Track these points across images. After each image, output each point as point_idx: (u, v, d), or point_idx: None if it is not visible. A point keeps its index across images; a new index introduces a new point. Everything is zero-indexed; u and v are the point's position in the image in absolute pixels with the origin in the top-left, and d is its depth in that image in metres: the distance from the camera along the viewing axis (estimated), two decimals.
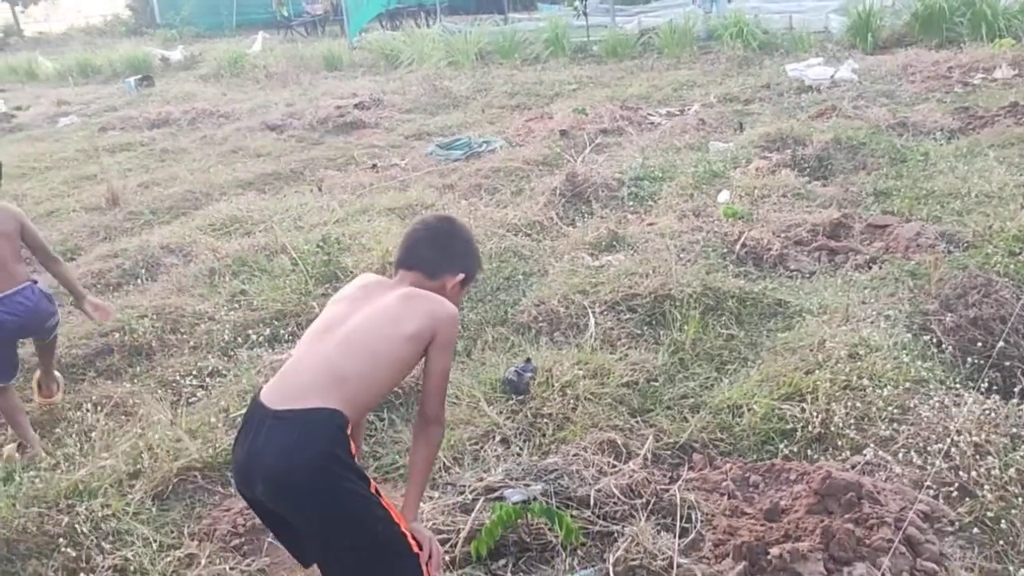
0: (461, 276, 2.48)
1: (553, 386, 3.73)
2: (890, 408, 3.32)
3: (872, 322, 4.03)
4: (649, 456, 3.27)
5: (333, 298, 2.48)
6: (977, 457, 3.02)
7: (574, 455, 3.24)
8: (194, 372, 4.26)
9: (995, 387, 3.46)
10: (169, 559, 2.97)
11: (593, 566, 2.76)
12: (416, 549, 2.19)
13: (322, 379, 2.15)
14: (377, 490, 2.16)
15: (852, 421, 3.31)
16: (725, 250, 5.16)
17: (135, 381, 4.27)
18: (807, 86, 10.05)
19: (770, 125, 8.03)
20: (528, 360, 3.94)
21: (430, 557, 2.25)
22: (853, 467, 3.08)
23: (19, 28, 32.26)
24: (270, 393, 2.17)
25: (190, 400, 4.05)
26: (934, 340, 3.86)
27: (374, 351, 2.22)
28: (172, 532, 3.13)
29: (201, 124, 11.38)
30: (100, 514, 3.12)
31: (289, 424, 2.08)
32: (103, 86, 16.59)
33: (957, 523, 2.80)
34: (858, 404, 3.39)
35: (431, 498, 3.07)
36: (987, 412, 3.23)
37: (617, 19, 16.49)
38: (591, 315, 4.36)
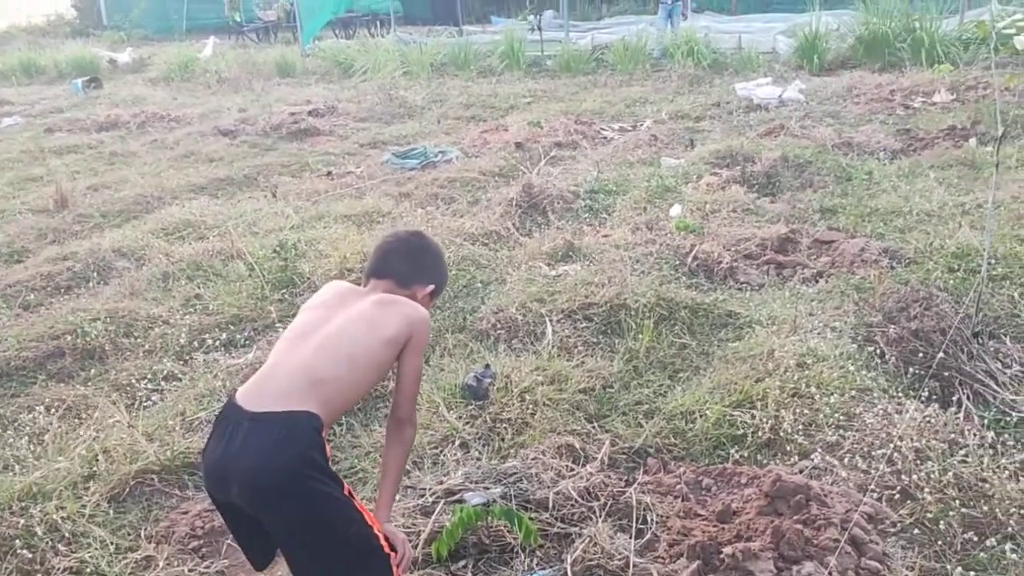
0: (431, 287, 2.58)
1: (512, 392, 3.79)
2: (836, 415, 3.46)
3: (819, 333, 4.18)
4: (606, 460, 3.35)
5: (306, 304, 2.51)
6: (918, 462, 3.16)
7: (533, 459, 3.30)
8: (149, 376, 4.23)
9: (935, 396, 3.62)
10: (126, 561, 2.95)
11: (551, 566, 2.82)
12: (388, 550, 2.23)
13: (299, 382, 2.18)
14: (351, 492, 2.20)
15: (800, 427, 3.43)
16: (677, 262, 5.28)
17: (88, 384, 4.22)
18: (756, 105, 10.31)
19: (720, 142, 8.22)
20: (487, 366, 3.99)
21: (401, 558, 2.30)
22: (801, 471, 3.19)
23: None
24: (246, 395, 2.19)
25: (145, 404, 4.01)
26: (878, 351, 4.01)
27: (351, 355, 2.27)
28: (129, 535, 3.11)
29: (151, 128, 11.23)
30: (55, 516, 3.08)
31: (266, 426, 2.10)
32: (48, 87, 16.26)
33: (899, 524, 2.92)
34: (806, 411, 3.51)
35: None
36: (927, 420, 3.37)
37: (571, 35, 16.70)
38: (548, 323, 4.44)
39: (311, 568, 2.20)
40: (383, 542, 2.22)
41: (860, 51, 12.84)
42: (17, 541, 2.96)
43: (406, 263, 2.54)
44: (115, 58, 18.64)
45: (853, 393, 3.60)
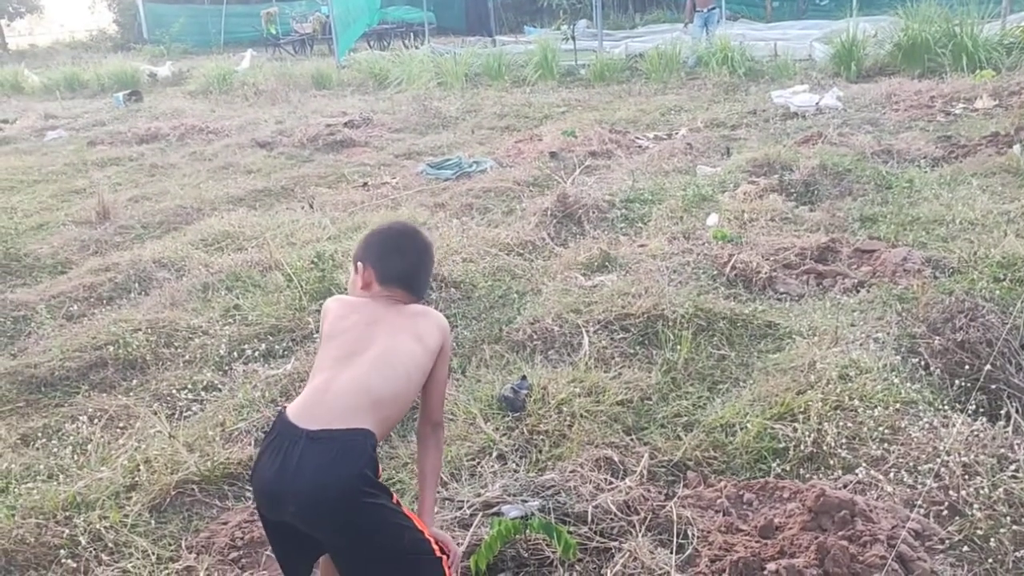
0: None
1: (549, 403, 3.77)
2: (881, 428, 3.38)
3: (861, 344, 4.10)
4: (645, 473, 3.31)
5: (337, 323, 2.45)
6: (966, 477, 3.09)
7: (571, 472, 3.27)
8: (189, 386, 4.26)
9: (982, 409, 3.53)
10: (168, 572, 2.97)
11: None
12: (439, 553, 2.25)
13: (359, 400, 2.21)
14: (398, 501, 2.23)
15: (843, 441, 3.36)
16: (715, 272, 5.22)
17: (130, 394, 4.27)
18: (792, 113, 10.21)
19: (757, 150, 8.14)
20: (523, 377, 3.98)
21: (453, 559, 2.35)
22: (845, 486, 3.13)
23: (4, 41, 32.29)
24: (300, 413, 2.20)
25: (185, 414, 4.05)
26: (922, 363, 3.93)
27: (408, 372, 2.32)
28: (170, 545, 3.13)
29: (190, 140, 11.40)
30: (98, 526, 3.12)
31: (325, 445, 2.11)
32: (90, 101, 16.59)
33: (947, 541, 2.85)
34: (849, 424, 3.44)
35: None
36: (975, 433, 3.29)
37: (604, 43, 16.68)
38: (585, 334, 4.41)
39: None
40: (435, 545, 2.26)
41: (899, 57, 12.67)
42: (62, 551, 3.00)
43: (426, 276, 2.64)
44: (155, 72, 19.01)
45: (898, 406, 3.52)
